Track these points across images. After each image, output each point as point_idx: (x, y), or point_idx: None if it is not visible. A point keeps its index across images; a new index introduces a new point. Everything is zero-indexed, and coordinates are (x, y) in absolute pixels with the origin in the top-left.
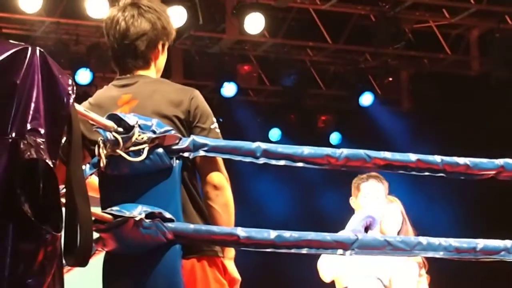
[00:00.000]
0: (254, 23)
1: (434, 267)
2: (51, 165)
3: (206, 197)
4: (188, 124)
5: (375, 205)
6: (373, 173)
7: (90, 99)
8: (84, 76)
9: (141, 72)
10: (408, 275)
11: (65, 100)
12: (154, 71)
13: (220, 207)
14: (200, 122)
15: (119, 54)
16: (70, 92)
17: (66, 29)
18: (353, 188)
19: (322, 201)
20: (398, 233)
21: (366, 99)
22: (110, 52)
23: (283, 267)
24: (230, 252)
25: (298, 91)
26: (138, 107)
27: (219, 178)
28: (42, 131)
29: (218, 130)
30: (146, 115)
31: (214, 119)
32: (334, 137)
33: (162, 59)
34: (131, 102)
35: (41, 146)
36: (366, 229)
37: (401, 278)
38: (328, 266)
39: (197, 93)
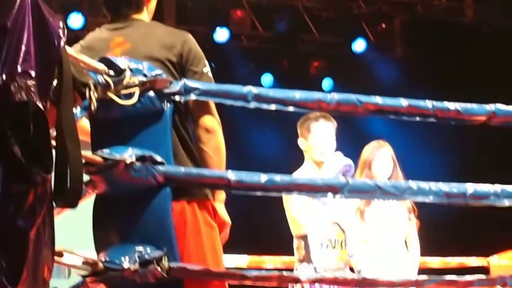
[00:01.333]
0: None
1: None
2: (42, 108)
3: (198, 140)
4: (180, 67)
5: (331, 144)
6: (321, 113)
7: (81, 41)
8: (76, 20)
9: (134, 16)
10: (398, 219)
11: (56, 42)
12: (146, 15)
13: (212, 151)
14: (193, 66)
15: (113, 0)
16: (61, 34)
17: None
18: (301, 129)
19: None
20: (389, 179)
21: (359, 45)
22: None
23: (273, 213)
24: (221, 195)
25: (291, 37)
26: (130, 49)
27: (211, 121)
28: (33, 73)
29: (210, 74)
30: (138, 58)
31: (207, 63)
32: (326, 83)
33: (153, 2)
34: (123, 44)
35: (32, 89)
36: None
37: (391, 223)
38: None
39: (189, 36)
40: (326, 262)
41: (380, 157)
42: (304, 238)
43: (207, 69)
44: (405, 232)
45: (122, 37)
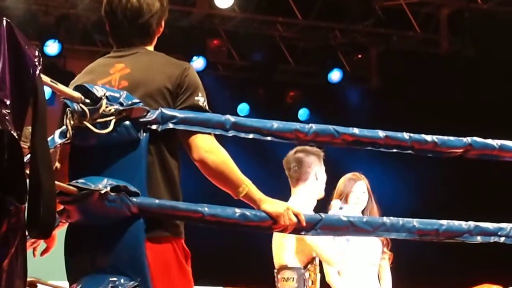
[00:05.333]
0: None
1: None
2: (16, 137)
3: (202, 169)
4: (176, 96)
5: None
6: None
7: (86, 67)
8: (52, 47)
9: (141, 45)
10: (373, 252)
11: (31, 71)
12: (152, 46)
13: (220, 169)
14: (185, 94)
15: (127, 32)
16: (37, 63)
17: (35, 0)
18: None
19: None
20: (364, 211)
21: (335, 75)
22: (113, 28)
23: (250, 245)
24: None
25: (267, 66)
26: (128, 74)
27: (204, 141)
28: (8, 102)
29: (202, 104)
30: (136, 84)
31: (201, 94)
32: (302, 113)
33: (160, 32)
34: (122, 70)
35: (7, 118)
36: None
37: (366, 255)
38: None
39: (190, 67)
40: None
41: (357, 190)
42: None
43: (199, 98)
44: (379, 264)
45: (123, 63)
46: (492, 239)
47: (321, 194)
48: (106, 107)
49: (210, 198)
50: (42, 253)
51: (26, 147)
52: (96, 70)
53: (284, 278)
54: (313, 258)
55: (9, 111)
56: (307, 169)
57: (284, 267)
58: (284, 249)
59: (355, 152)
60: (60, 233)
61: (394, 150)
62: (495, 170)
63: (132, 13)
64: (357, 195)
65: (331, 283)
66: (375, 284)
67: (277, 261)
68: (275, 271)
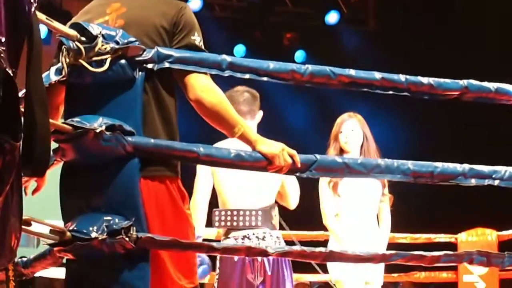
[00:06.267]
0: None
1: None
2: (11, 74)
3: (197, 109)
4: (172, 35)
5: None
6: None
7: (83, 9)
8: None
9: None
10: (372, 194)
11: (26, 8)
12: None
13: (215, 110)
14: (181, 33)
15: None
16: (32, 0)
17: None
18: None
19: (290, 119)
20: (360, 151)
21: (332, 17)
22: None
23: None
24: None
25: (264, 7)
26: (125, 13)
27: (198, 80)
28: (3, 39)
29: (198, 44)
30: (132, 23)
31: (197, 34)
32: (299, 55)
33: None
34: (119, 9)
35: (1, 55)
36: None
37: (365, 197)
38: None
39: (186, 6)
40: None
41: (345, 129)
42: None
43: (195, 38)
44: (378, 206)
45: (119, 3)
46: (487, 182)
47: None
48: (102, 45)
49: (206, 141)
50: (33, 192)
51: None
52: (92, 10)
53: (275, 214)
54: None
55: (4, 48)
56: (257, 108)
57: (275, 205)
58: (275, 188)
59: (357, 96)
60: (53, 172)
61: (390, 92)
62: (493, 115)
63: None
64: (345, 135)
65: (328, 226)
66: (374, 226)
67: (269, 198)
68: (263, 209)
